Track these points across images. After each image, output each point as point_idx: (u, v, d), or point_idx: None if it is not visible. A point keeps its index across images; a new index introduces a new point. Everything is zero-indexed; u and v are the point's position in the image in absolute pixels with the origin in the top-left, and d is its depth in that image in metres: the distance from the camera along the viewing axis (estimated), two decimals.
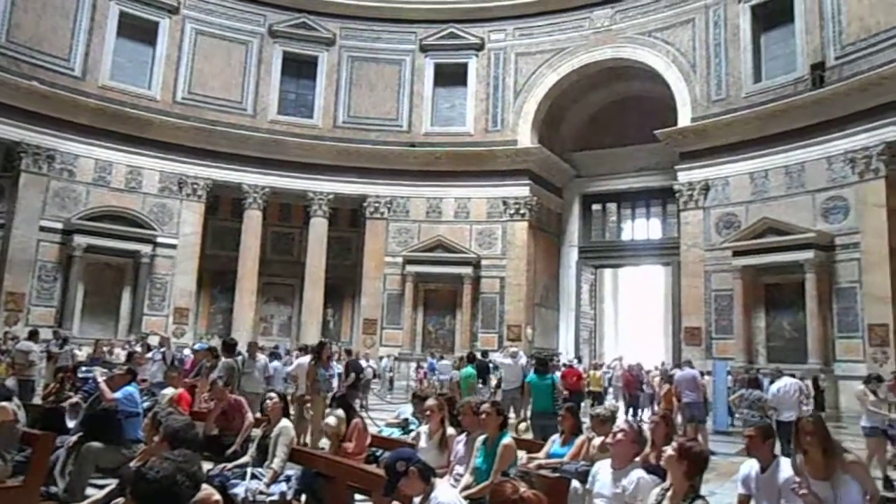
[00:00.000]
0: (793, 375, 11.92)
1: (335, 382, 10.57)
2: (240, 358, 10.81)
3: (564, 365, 17.69)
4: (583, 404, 14.75)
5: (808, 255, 17.96)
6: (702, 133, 21.29)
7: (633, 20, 23.51)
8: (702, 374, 14.72)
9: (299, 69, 25.45)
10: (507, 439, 4.98)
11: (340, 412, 6.60)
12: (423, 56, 25.67)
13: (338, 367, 13.36)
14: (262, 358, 11.67)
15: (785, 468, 4.27)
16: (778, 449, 9.49)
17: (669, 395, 11.76)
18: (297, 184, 24.48)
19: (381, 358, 22.41)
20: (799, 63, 19.45)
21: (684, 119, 21.96)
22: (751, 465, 4.39)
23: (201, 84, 23.75)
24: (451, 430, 5.69)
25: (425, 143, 24.97)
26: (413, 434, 6.69)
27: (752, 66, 20.69)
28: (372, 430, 7.50)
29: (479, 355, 16.02)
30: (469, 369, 13.33)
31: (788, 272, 18.68)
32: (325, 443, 7.61)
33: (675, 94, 22.33)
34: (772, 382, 11.07)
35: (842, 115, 17.93)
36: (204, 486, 3.04)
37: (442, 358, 21.16)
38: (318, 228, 24.78)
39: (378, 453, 6.38)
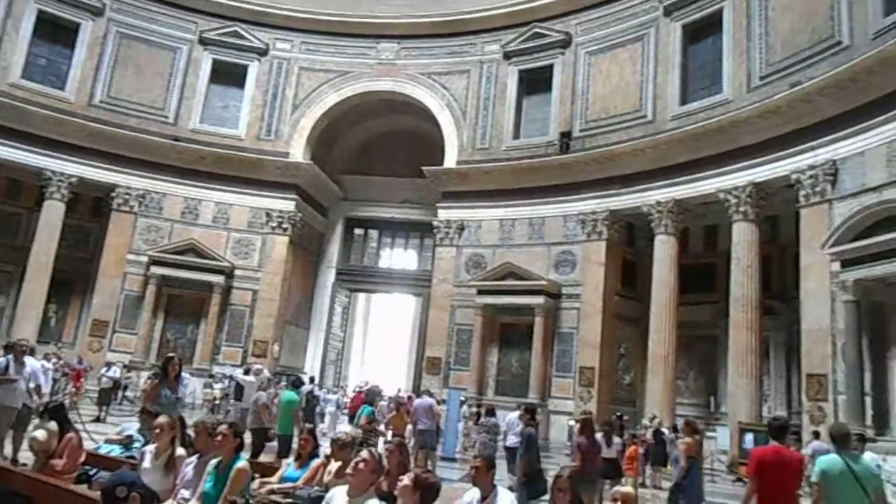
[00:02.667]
0: (519, 408, 13.81)
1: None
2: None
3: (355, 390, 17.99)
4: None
5: (540, 300, 20.01)
6: (464, 176, 22.83)
7: (416, 60, 24.64)
8: (438, 402, 15.62)
9: (55, 33, 22.66)
10: (242, 463, 4.87)
11: (53, 425, 5.95)
12: (201, 49, 24.35)
13: (188, 387, 11.53)
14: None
15: (502, 499, 4.69)
16: (504, 469, 10.85)
17: (398, 421, 12.34)
18: (34, 160, 21.52)
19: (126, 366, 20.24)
20: (551, 128, 21.80)
21: (450, 161, 23.38)
22: (473, 494, 4.77)
23: None
24: (180, 451, 5.41)
25: (191, 140, 23.57)
26: (137, 453, 6.24)
27: (513, 123, 22.77)
28: (89, 445, 6.86)
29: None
30: (291, 394, 11.35)
31: (522, 314, 20.59)
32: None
33: (445, 136, 23.72)
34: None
35: (579, 180, 20.42)
36: None
37: None
38: (53, 213, 21.97)
39: (92, 472, 5.83)
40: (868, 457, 8.52)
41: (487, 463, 4.80)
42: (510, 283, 20.67)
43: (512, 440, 11.63)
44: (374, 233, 28.20)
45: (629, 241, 21.15)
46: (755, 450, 5.95)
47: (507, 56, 23.27)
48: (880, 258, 12.94)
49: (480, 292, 21.25)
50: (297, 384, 12.54)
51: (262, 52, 24.82)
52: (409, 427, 12.60)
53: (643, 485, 13.45)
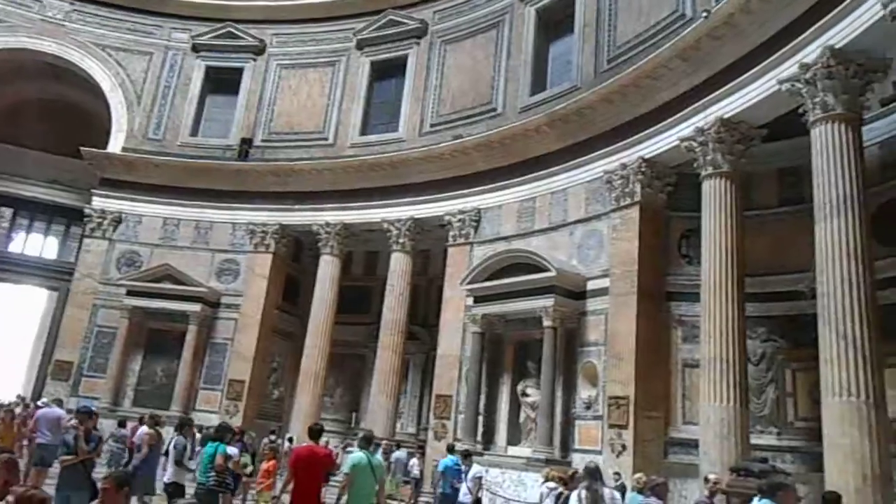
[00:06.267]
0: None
1: None
2: None
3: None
4: None
5: (196, 308, 19.11)
6: (130, 165, 20.90)
7: (92, 28, 22.12)
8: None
9: None
10: None
11: None
12: None
13: None
14: None
15: None
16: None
17: (5, 433, 10.82)
18: None
19: None
20: (233, 133, 21.17)
21: (115, 146, 21.24)
22: None
23: None
24: None
25: None
26: None
27: (193, 119, 21.60)
28: None
29: None
30: None
31: (175, 320, 19.35)
32: None
33: (114, 118, 21.53)
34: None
35: (254, 190, 20.09)
36: None
37: None
38: None
39: None
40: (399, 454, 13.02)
41: (117, 481, 4.36)
42: (166, 286, 19.34)
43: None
44: (7, 211, 24.13)
45: (295, 257, 21.40)
46: (295, 448, 8.16)
47: (196, 49, 22.14)
48: (503, 298, 15.11)
49: (131, 293, 19.49)
50: None
51: None
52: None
53: (276, 498, 13.57)
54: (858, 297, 9.03)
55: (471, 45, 18.88)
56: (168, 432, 16.02)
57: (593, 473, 7.29)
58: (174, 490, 9.00)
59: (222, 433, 8.95)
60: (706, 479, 8.83)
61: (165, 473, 9.26)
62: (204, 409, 18.91)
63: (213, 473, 8.48)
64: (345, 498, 7.30)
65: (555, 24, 17.58)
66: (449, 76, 19.04)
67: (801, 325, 11.75)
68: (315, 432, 7.74)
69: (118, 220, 20.56)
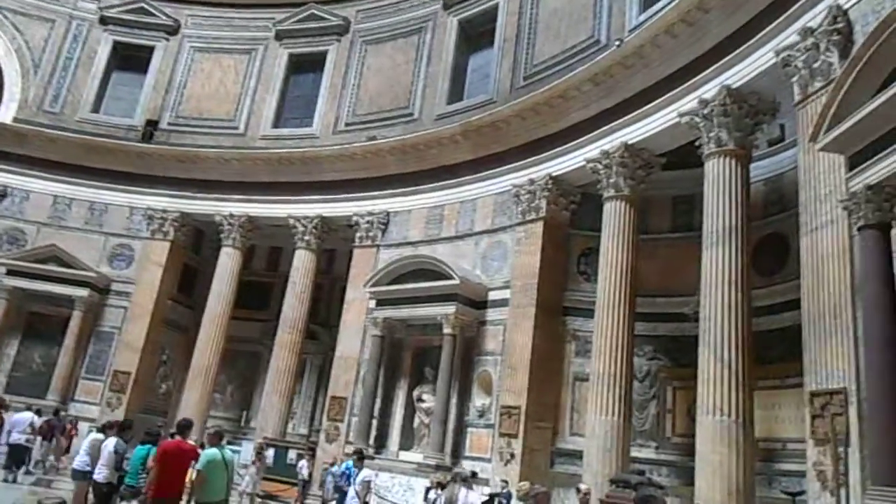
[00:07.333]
0: (30, 409, 14.78)
1: None
2: None
3: None
4: None
5: (83, 293, 18.11)
6: (22, 137, 19.53)
7: None
8: None
9: None
10: None
11: None
12: None
13: None
14: None
15: None
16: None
17: None
18: None
19: None
20: (138, 113, 20.22)
21: (6, 115, 19.85)
22: None
23: None
24: None
25: None
26: None
27: (95, 95, 20.49)
28: None
29: None
30: None
31: (59, 305, 18.29)
32: None
33: (6, 85, 20.15)
34: None
35: (157, 174, 19.25)
36: None
37: None
38: None
39: None
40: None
41: None
42: (52, 268, 18.22)
43: (15, 438, 12.85)
44: None
45: (195, 247, 20.64)
46: (163, 443, 8.16)
47: (105, 21, 21.05)
48: (405, 302, 15.17)
49: (11, 273, 18.24)
50: None
51: None
52: None
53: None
54: (736, 323, 9.62)
55: (391, 47, 18.87)
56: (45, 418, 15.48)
57: (459, 478, 8.28)
58: (109, 490, 8.94)
59: (154, 436, 8.97)
60: (577, 490, 9.21)
61: (99, 473, 8.96)
62: (84, 399, 18.01)
63: (143, 475, 8.50)
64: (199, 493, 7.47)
65: (476, 36, 17.82)
66: (368, 76, 18.94)
67: (684, 346, 12.39)
68: (182, 427, 8.02)
69: (2, 195, 19.22)
